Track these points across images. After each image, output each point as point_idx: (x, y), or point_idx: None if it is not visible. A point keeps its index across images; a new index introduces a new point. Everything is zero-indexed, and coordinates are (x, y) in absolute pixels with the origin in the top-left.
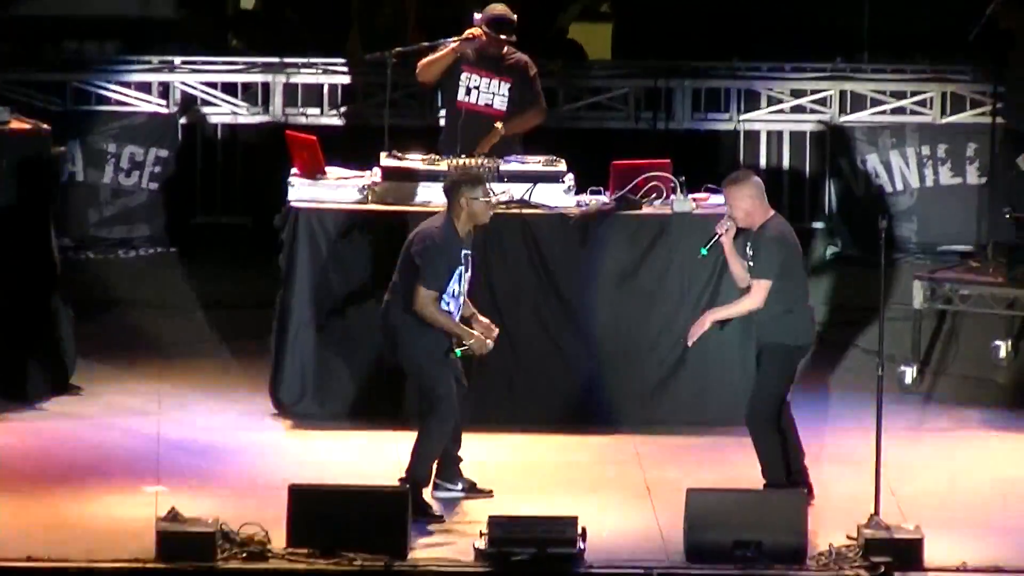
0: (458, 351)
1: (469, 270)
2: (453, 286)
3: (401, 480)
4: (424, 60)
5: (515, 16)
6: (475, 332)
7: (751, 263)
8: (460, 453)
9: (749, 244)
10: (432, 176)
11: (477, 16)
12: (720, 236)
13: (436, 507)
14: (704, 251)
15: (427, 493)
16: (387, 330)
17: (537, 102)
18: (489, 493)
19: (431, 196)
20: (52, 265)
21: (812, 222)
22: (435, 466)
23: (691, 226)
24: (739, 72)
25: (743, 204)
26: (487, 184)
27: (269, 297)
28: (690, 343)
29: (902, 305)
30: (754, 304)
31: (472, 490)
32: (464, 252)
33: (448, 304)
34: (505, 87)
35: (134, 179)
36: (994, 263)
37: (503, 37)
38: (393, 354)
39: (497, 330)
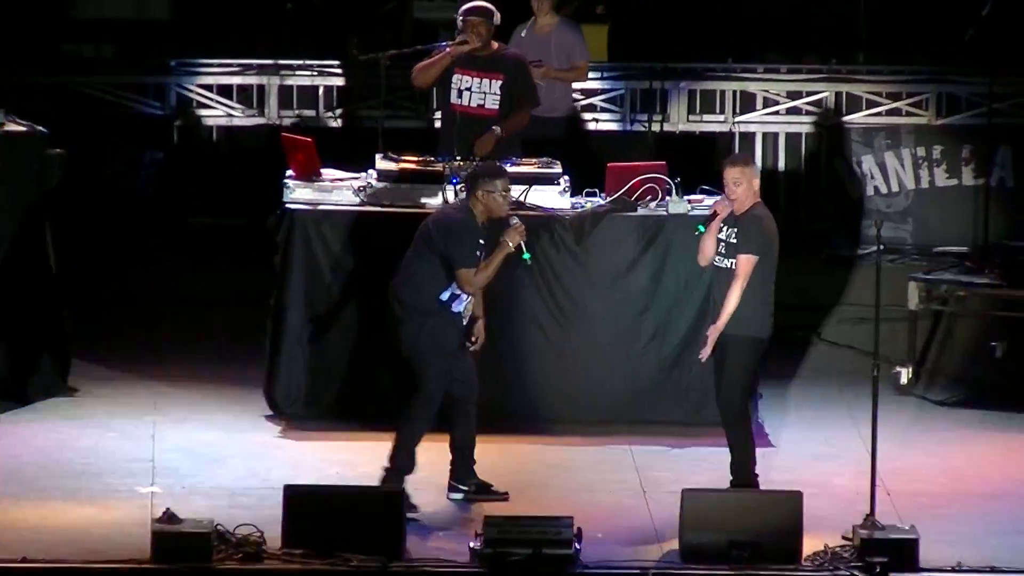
0: (526, 255)
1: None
2: None
3: (385, 468)
4: (419, 64)
5: (491, 6)
6: (506, 237)
7: (734, 240)
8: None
9: (725, 226)
10: (427, 178)
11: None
12: (718, 215)
13: (417, 502)
14: (702, 228)
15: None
16: (395, 306)
17: (530, 96)
18: (504, 496)
19: (426, 198)
20: (48, 267)
21: (807, 223)
22: (450, 465)
23: (686, 228)
24: (734, 74)
25: (743, 187)
26: (506, 180)
27: (264, 298)
28: (703, 359)
29: (897, 306)
30: (742, 280)
31: (485, 491)
32: (480, 241)
33: (462, 298)
34: (496, 84)
35: (130, 181)
36: (989, 264)
37: (475, 20)
38: (395, 330)
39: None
